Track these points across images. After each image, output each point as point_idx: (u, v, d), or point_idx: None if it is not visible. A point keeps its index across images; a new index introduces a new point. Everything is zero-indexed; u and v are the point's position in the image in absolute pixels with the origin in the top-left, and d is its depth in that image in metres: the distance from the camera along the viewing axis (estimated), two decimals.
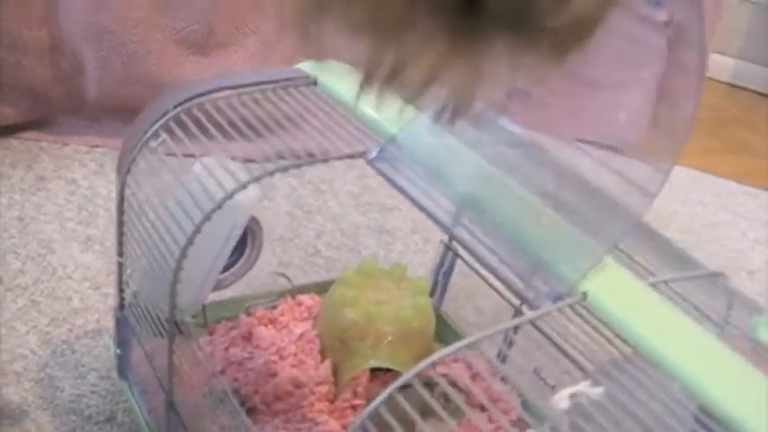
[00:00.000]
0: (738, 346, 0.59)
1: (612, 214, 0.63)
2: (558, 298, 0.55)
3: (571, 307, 0.56)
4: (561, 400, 0.46)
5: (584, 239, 0.59)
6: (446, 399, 0.56)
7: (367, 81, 0.42)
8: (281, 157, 0.73)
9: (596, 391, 0.47)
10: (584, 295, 0.55)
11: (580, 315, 0.56)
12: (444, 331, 1.06)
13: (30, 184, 1.36)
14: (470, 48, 0.41)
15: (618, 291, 0.56)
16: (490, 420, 0.92)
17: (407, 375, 0.54)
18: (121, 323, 0.89)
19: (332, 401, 0.95)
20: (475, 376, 1.01)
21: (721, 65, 2.56)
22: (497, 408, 0.95)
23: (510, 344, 0.97)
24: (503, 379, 0.99)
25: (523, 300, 0.56)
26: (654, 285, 0.61)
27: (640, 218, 0.63)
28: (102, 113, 1.51)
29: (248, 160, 0.78)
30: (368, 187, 1.48)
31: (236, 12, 1.47)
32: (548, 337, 0.68)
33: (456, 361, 1.01)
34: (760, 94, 2.60)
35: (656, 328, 0.53)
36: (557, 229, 0.59)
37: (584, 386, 0.47)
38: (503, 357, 1.00)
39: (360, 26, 0.40)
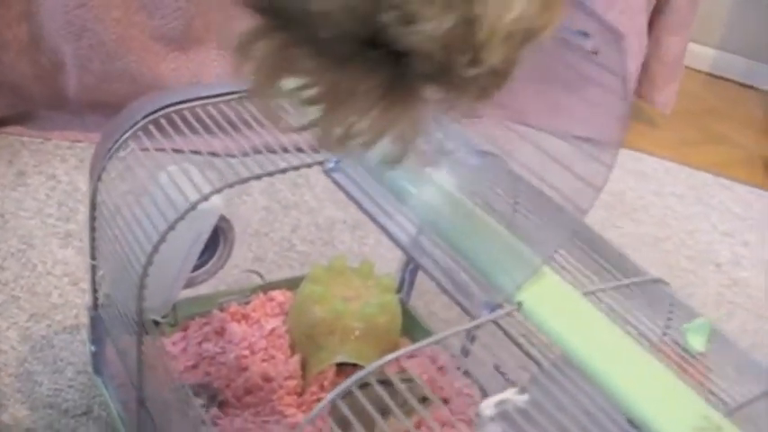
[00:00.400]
0: (668, 352, 0.62)
1: (555, 222, 0.67)
2: (495, 308, 0.59)
3: (508, 316, 0.59)
4: (487, 407, 0.49)
5: (523, 250, 0.63)
6: (404, 395, 0.60)
7: (322, 142, 0.47)
8: (256, 151, 0.75)
9: (522, 399, 0.50)
10: (520, 305, 0.59)
11: (517, 323, 0.60)
12: (412, 326, 1.09)
13: (10, 180, 1.39)
14: (409, 103, 0.46)
15: (552, 300, 0.59)
16: (452, 413, 0.96)
17: (365, 371, 0.57)
18: (95, 322, 0.93)
19: (300, 395, 0.99)
20: (440, 369, 1.05)
21: (701, 55, 2.59)
22: (460, 401, 0.99)
23: (473, 339, 1.01)
24: (466, 373, 1.03)
25: (463, 309, 0.60)
26: (593, 293, 0.65)
27: (580, 223, 0.66)
28: (83, 109, 1.53)
29: (228, 155, 0.78)
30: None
31: (212, 9, 1.50)
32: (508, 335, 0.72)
33: (417, 356, 1.04)
34: (740, 84, 2.63)
35: (583, 338, 0.56)
36: (498, 240, 0.63)
37: (511, 393, 0.51)
38: (466, 352, 1.03)
39: (313, 99, 0.45)
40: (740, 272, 1.56)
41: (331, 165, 0.73)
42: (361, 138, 0.46)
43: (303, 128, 0.48)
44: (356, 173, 0.72)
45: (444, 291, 0.62)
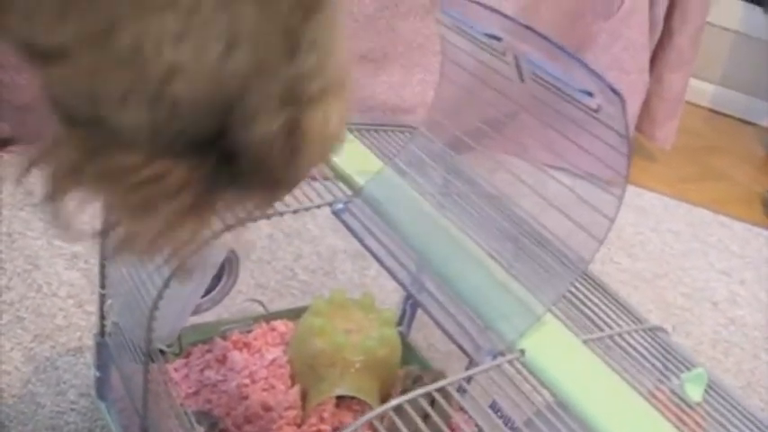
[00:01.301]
0: (665, 403, 0.64)
1: (557, 271, 0.68)
2: (497, 355, 0.60)
3: (510, 363, 0.61)
4: None
5: (526, 298, 0.64)
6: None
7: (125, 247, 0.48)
8: None
9: None
10: (522, 352, 0.60)
11: (519, 371, 0.61)
12: (411, 359, 1.11)
13: (18, 199, 1.40)
14: (200, 210, 0.47)
15: (553, 348, 0.61)
16: None
17: (374, 413, 0.58)
18: (101, 348, 0.94)
19: (299, 426, 1.00)
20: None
21: (702, 91, 2.62)
22: None
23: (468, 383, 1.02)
24: (462, 409, 1.04)
25: (465, 354, 0.61)
26: (594, 341, 0.66)
27: (582, 269, 0.68)
28: None
29: None
30: None
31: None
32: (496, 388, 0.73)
33: None
34: (740, 120, 2.66)
35: (583, 387, 0.58)
36: (501, 288, 0.64)
37: None
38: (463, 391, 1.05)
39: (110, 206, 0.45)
40: (736, 310, 1.58)
41: (340, 206, 0.74)
42: (146, 244, 0.46)
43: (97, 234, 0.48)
44: (363, 213, 0.74)
45: (444, 332, 0.63)
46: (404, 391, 0.83)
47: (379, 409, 0.58)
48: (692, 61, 2.11)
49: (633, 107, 2.00)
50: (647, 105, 2.08)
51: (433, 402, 0.63)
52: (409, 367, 1.06)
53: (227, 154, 0.45)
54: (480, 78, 0.69)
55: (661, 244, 1.76)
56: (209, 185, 0.46)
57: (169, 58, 0.41)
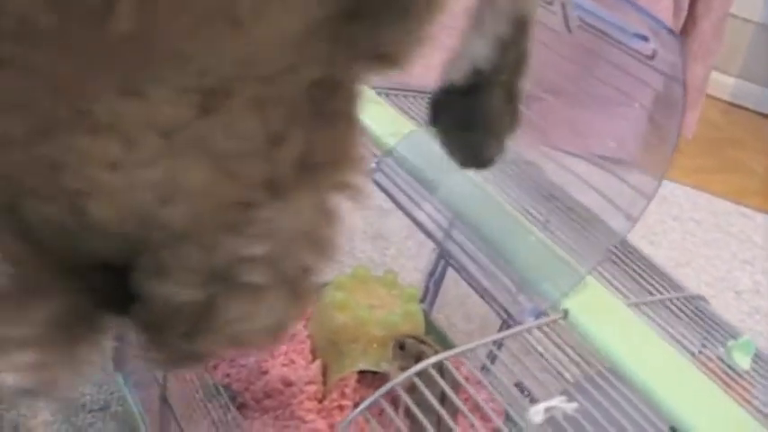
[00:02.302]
0: (712, 368, 0.61)
1: (597, 234, 0.66)
2: (540, 314, 0.58)
3: (553, 323, 0.58)
4: (537, 413, 0.48)
5: (567, 259, 0.62)
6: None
7: None
8: None
9: (571, 406, 0.49)
10: (566, 313, 0.58)
11: (562, 331, 0.59)
12: (434, 337, 1.08)
13: None
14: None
15: (597, 310, 0.59)
16: (472, 427, 0.95)
17: (395, 381, 0.56)
18: None
19: (320, 401, 0.97)
20: (457, 384, 1.03)
21: (721, 83, 2.59)
22: (478, 416, 0.98)
23: (494, 357, 1.00)
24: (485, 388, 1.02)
25: (508, 314, 0.59)
26: (635, 305, 0.64)
27: (623, 237, 0.66)
28: None
29: None
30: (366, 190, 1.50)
31: None
32: (533, 351, 0.71)
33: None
34: (759, 113, 2.63)
35: (631, 348, 0.55)
36: (542, 248, 0.62)
37: (558, 401, 0.50)
38: (487, 367, 1.02)
39: None
40: (760, 300, 1.55)
41: (371, 165, 0.72)
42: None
43: None
44: (394, 172, 0.71)
45: (479, 292, 0.61)
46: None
47: (397, 380, 0.55)
48: (715, 51, 2.08)
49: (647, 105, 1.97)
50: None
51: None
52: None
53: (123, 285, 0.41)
54: None
55: (683, 233, 1.73)
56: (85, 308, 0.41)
57: (92, 175, 0.38)
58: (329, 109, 0.44)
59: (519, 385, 0.94)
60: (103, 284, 0.41)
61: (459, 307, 1.24)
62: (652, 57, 0.52)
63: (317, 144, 0.43)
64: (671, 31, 0.50)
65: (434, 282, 1.10)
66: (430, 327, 1.07)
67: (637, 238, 1.63)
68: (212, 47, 0.37)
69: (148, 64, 0.36)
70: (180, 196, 0.39)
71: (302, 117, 0.42)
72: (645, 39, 0.52)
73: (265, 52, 0.39)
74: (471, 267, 0.64)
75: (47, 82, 0.36)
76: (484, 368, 1.02)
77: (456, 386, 0.99)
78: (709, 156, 2.22)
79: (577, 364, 0.56)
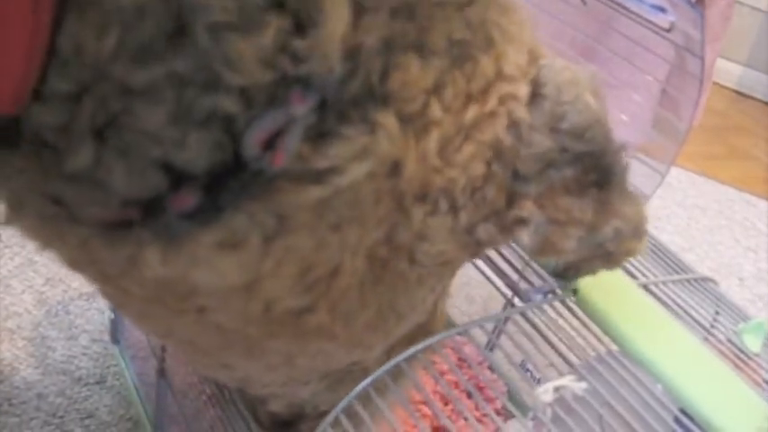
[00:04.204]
0: (722, 350, 0.60)
1: None
2: (548, 292, 0.56)
3: (561, 302, 0.57)
4: (546, 392, 0.47)
5: None
6: None
7: None
8: None
9: (580, 386, 0.48)
10: (575, 291, 0.56)
11: (570, 310, 0.57)
12: None
13: None
14: None
15: (607, 289, 0.57)
16: (476, 408, 0.93)
17: (394, 361, 0.55)
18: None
19: None
20: (462, 363, 1.02)
21: (728, 71, 2.57)
22: (483, 396, 0.96)
23: (499, 334, 0.99)
24: (490, 368, 1.01)
25: (515, 291, 0.57)
26: (644, 286, 0.62)
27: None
28: None
29: None
30: None
31: None
32: (537, 329, 0.69)
33: (444, 347, 1.02)
34: (765, 102, 2.61)
35: (641, 329, 0.54)
36: None
37: (568, 380, 0.48)
38: (491, 347, 1.01)
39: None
40: (763, 287, 1.53)
41: None
42: None
43: None
44: None
45: (495, 271, 0.59)
46: None
47: (384, 368, 0.54)
48: (722, 37, 2.05)
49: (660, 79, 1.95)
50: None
51: None
52: None
53: None
54: (538, 5, 0.65)
55: (687, 219, 1.72)
56: None
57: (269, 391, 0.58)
58: None
59: (523, 365, 0.93)
60: None
61: (462, 288, 1.22)
62: (669, 30, 0.51)
63: None
64: (691, 3, 0.48)
65: None
66: None
67: None
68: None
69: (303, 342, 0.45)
70: None
71: None
72: (662, 10, 0.50)
73: None
74: None
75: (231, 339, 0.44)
76: (492, 347, 1.01)
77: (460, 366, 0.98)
78: (714, 143, 2.20)
79: (587, 344, 0.54)
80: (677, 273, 0.69)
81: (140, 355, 0.91)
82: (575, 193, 0.43)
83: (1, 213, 0.36)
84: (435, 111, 0.38)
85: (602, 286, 0.57)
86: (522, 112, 0.41)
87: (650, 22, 0.51)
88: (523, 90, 0.41)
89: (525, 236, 0.43)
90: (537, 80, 0.42)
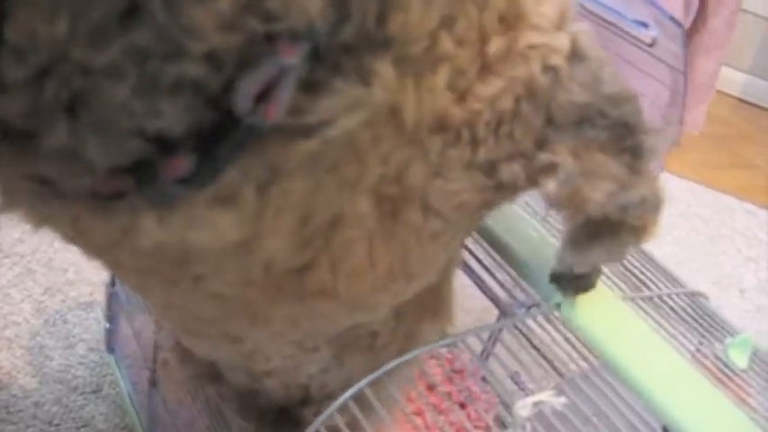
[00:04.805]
0: (708, 366, 0.60)
1: None
2: (531, 306, 0.57)
3: (545, 316, 0.57)
4: (524, 407, 0.47)
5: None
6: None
7: None
8: None
9: (559, 401, 0.48)
10: (558, 305, 0.56)
11: (554, 324, 0.57)
12: None
13: None
14: None
15: (591, 303, 0.57)
16: (469, 418, 0.94)
17: (381, 371, 0.55)
18: (112, 299, 0.91)
19: None
20: (458, 373, 1.02)
21: (731, 79, 2.56)
22: (477, 406, 0.97)
23: (494, 343, 0.99)
24: (484, 378, 1.01)
25: (497, 305, 0.57)
26: (631, 300, 0.63)
27: None
28: None
29: None
30: None
31: None
32: (527, 342, 0.70)
33: (438, 358, 1.02)
34: None
35: (623, 343, 0.54)
36: (538, 239, 0.60)
37: (547, 395, 0.48)
38: (486, 356, 1.01)
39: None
40: (764, 298, 1.53)
41: None
42: None
43: None
44: None
45: (476, 282, 0.60)
46: None
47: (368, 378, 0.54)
48: (725, 45, 2.05)
49: (661, 87, 1.95)
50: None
51: None
52: None
53: None
54: None
55: (688, 229, 1.72)
56: None
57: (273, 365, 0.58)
58: None
59: (514, 377, 0.93)
60: None
61: (458, 299, 1.22)
62: (651, 44, 0.51)
63: None
64: (674, 20, 0.48)
65: None
66: None
67: None
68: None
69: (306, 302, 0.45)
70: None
71: None
72: (645, 26, 0.51)
73: None
74: (468, 258, 0.62)
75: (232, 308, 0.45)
76: (486, 357, 1.02)
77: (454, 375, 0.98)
78: (717, 152, 2.19)
79: (570, 358, 0.54)
80: (667, 286, 0.69)
81: (135, 365, 0.92)
82: (610, 154, 0.44)
83: None
84: (446, 45, 0.37)
85: (585, 300, 0.57)
86: (559, 60, 0.41)
87: (633, 37, 0.51)
88: (562, 42, 0.41)
89: (552, 183, 0.43)
90: (578, 41, 0.42)
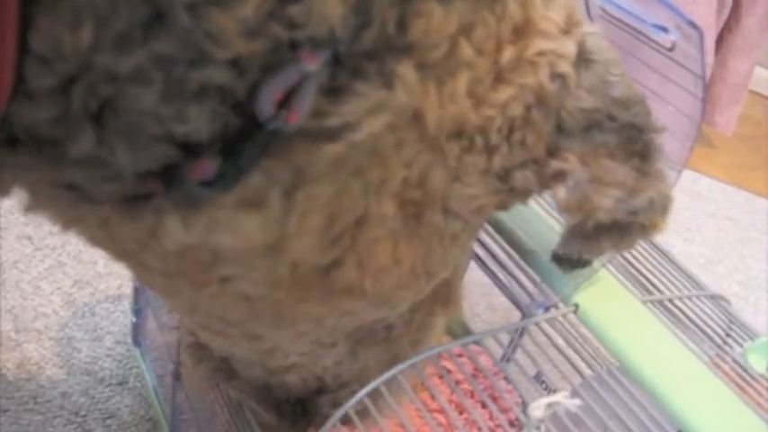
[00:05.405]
0: (727, 371, 0.60)
1: None
2: (550, 307, 0.57)
3: (563, 317, 0.57)
4: (537, 408, 0.48)
5: None
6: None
7: None
8: None
9: (573, 403, 0.48)
10: (576, 307, 0.57)
11: (573, 326, 0.57)
12: (456, 326, 1.07)
13: None
14: None
15: (609, 305, 0.57)
16: (490, 418, 0.94)
17: (399, 367, 0.55)
18: (139, 292, 0.92)
19: None
20: (478, 373, 1.02)
21: (764, 79, 2.53)
22: (497, 406, 0.97)
23: (515, 347, 0.99)
24: (505, 378, 1.01)
25: (517, 305, 0.58)
26: (650, 302, 0.63)
27: None
28: None
29: None
30: None
31: None
32: (549, 345, 0.70)
33: (461, 356, 1.02)
34: None
35: (640, 346, 0.54)
36: (554, 236, 0.60)
37: (562, 396, 0.49)
38: (507, 358, 1.01)
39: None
40: None
41: None
42: None
43: None
44: None
45: (496, 283, 0.60)
46: None
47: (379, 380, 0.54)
48: (759, 46, 2.03)
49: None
50: (709, 89, 2.01)
51: None
52: None
53: None
54: None
55: (717, 230, 1.70)
56: None
57: (291, 361, 0.58)
58: None
59: (538, 377, 0.93)
60: None
61: (483, 297, 1.23)
62: (671, 49, 0.51)
63: None
64: (692, 24, 0.48)
65: None
66: (454, 316, 1.06)
67: (669, 233, 1.60)
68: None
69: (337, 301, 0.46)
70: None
71: None
72: (664, 30, 0.50)
73: None
74: (486, 258, 0.63)
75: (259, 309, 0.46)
76: (507, 359, 1.02)
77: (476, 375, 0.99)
78: (749, 153, 2.17)
79: (587, 361, 0.55)
80: (689, 289, 0.69)
81: (161, 358, 0.93)
82: (619, 159, 0.44)
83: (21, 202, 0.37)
84: (466, 52, 0.38)
85: (605, 301, 0.58)
86: (566, 67, 0.42)
87: (653, 41, 0.51)
88: (569, 48, 0.42)
89: (562, 190, 0.45)
90: (584, 45, 0.43)
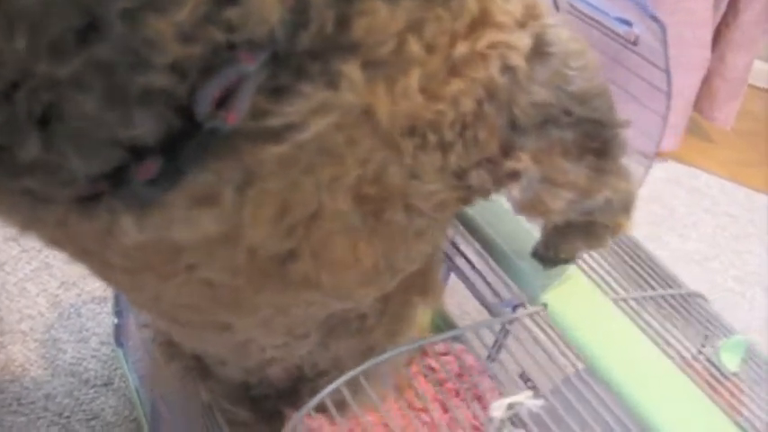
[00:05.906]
0: (699, 370, 0.59)
1: None
2: (517, 306, 0.56)
3: (532, 316, 0.56)
4: (498, 408, 0.47)
5: None
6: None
7: None
8: None
9: (536, 403, 0.48)
10: (545, 306, 0.56)
11: (544, 324, 0.57)
12: (442, 324, 1.07)
13: None
14: None
15: (579, 304, 0.57)
16: (473, 417, 0.93)
17: (380, 358, 0.55)
18: (120, 294, 0.92)
19: None
20: (461, 371, 1.02)
21: (763, 72, 2.51)
22: (480, 405, 0.96)
23: (500, 346, 0.98)
24: (490, 377, 1.00)
25: (484, 305, 0.57)
26: (624, 301, 0.62)
27: None
28: None
29: None
30: None
31: None
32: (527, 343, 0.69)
33: (446, 354, 1.02)
34: None
35: (608, 346, 0.53)
36: (527, 239, 0.60)
37: (524, 397, 0.48)
38: (492, 357, 1.01)
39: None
40: None
41: None
42: None
43: None
44: None
45: (466, 284, 0.60)
46: None
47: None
48: (758, 41, 2.01)
49: (691, 82, 1.91)
50: (707, 84, 1.99)
51: None
52: None
53: None
54: None
55: (714, 226, 1.69)
56: None
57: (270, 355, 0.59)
58: None
59: (523, 377, 0.93)
60: None
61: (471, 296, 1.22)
62: (634, 42, 0.50)
63: None
64: (655, 18, 0.47)
65: (446, 269, 1.09)
66: (438, 313, 1.06)
67: (665, 229, 1.60)
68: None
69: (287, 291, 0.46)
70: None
71: None
72: (628, 23, 0.50)
73: None
74: (458, 258, 0.62)
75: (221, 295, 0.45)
76: (493, 359, 1.01)
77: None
78: (748, 148, 2.15)
79: (556, 360, 0.54)
80: (665, 287, 0.68)
81: (143, 358, 0.93)
82: (573, 157, 0.44)
83: None
84: (414, 49, 0.38)
85: (575, 301, 0.57)
86: (517, 60, 0.41)
87: (617, 34, 0.51)
88: (522, 41, 0.41)
89: (516, 190, 0.44)
90: (542, 37, 0.42)
